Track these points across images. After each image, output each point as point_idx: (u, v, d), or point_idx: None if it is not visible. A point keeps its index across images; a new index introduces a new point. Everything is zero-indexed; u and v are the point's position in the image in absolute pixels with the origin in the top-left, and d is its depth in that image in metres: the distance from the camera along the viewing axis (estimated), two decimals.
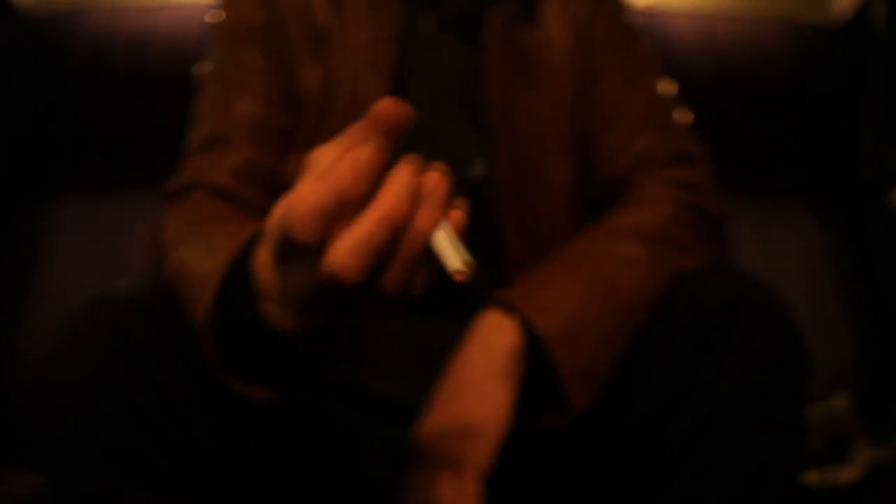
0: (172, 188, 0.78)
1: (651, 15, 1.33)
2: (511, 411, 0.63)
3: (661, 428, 0.63)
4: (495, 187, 0.80)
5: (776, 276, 0.98)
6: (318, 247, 0.44)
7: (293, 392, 0.58)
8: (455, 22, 0.85)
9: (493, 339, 0.65)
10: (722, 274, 0.67)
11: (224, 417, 0.60)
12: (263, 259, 0.50)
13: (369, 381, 0.75)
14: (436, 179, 0.46)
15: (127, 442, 0.57)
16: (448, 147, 0.81)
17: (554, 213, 0.81)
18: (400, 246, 0.45)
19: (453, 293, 0.75)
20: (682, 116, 0.87)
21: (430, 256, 0.46)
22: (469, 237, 0.48)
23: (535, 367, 0.64)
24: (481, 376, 0.64)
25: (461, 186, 0.47)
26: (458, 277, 0.45)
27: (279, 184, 0.79)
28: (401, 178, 0.44)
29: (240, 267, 0.54)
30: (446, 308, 0.75)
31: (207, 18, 1.02)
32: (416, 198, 0.45)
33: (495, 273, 0.77)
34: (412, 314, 0.77)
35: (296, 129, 0.82)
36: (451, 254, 0.46)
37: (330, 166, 0.44)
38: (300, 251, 0.45)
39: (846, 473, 1.01)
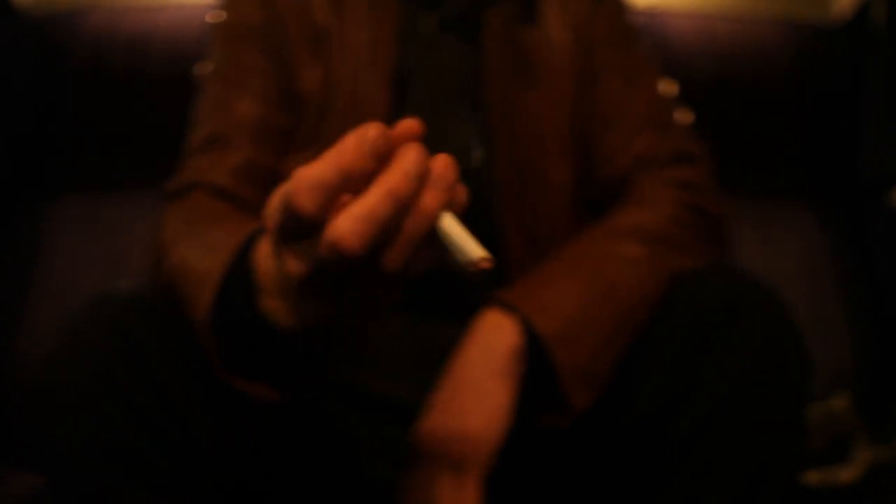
0: (172, 188, 0.78)
1: (651, 15, 1.33)
2: (511, 411, 0.63)
3: (661, 428, 0.63)
4: (495, 187, 0.80)
5: (776, 276, 0.98)
6: (320, 223, 0.43)
7: (293, 391, 0.58)
8: (455, 22, 0.85)
9: (494, 339, 0.65)
10: (722, 274, 0.67)
11: (224, 417, 0.60)
12: (264, 251, 0.50)
13: (369, 381, 0.75)
14: (444, 165, 0.45)
15: (127, 442, 0.57)
16: (448, 147, 0.80)
17: (554, 213, 0.81)
18: (404, 225, 0.44)
19: (453, 293, 0.75)
20: (683, 117, 0.87)
21: (434, 242, 0.46)
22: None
23: (535, 367, 0.64)
24: (481, 375, 0.64)
25: (461, 180, 0.47)
26: (483, 265, 0.44)
27: (279, 184, 0.79)
28: (409, 156, 0.43)
29: (240, 265, 0.54)
30: (446, 308, 0.75)
31: (208, 18, 1.02)
32: (423, 178, 0.44)
33: (495, 273, 0.77)
34: (412, 314, 0.77)
35: (296, 129, 0.82)
36: (469, 243, 0.45)
37: (336, 144, 0.44)
38: (301, 228, 0.44)
39: (846, 473, 1.01)
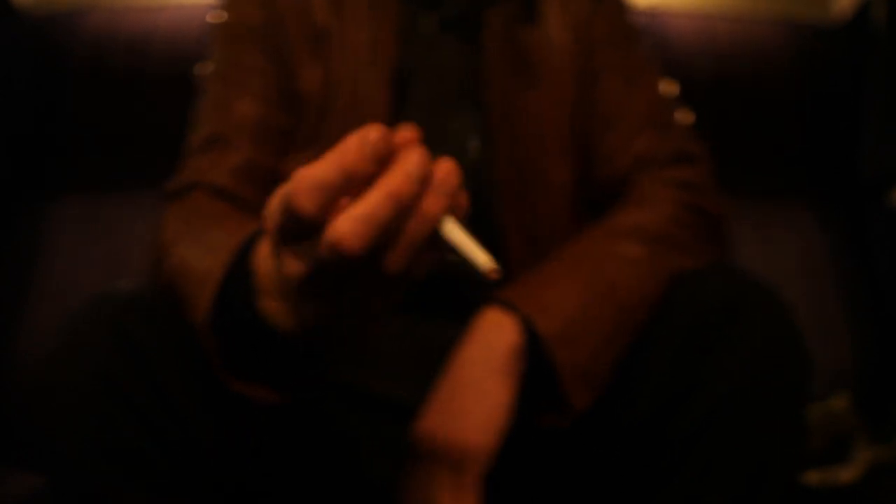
0: (172, 188, 0.78)
1: (652, 15, 1.33)
2: (511, 410, 0.63)
3: (661, 428, 0.63)
4: (495, 187, 0.80)
5: (776, 276, 0.99)
6: (320, 224, 0.43)
7: (293, 392, 0.58)
8: (455, 22, 0.85)
9: (494, 338, 0.65)
10: (722, 274, 0.67)
11: (224, 417, 0.60)
12: (264, 251, 0.50)
13: (369, 381, 0.75)
14: (447, 169, 0.45)
15: (127, 442, 0.57)
16: (448, 148, 0.81)
17: (554, 213, 0.81)
18: (405, 227, 0.44)
19: (453, 293, 0.75)
20: (684, 117, 0.87)
21: (436, 245, 0.46)
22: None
23: (535, 366, 0.64)
24: (481, 375, 0.64)
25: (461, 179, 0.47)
26: (493, 276, 0.44)
27: (279, 184, 0.79)
28: (411, 159, 0.43)
29: (240, 265, 0.54)
30: (446, 308, 0.75)
31: (208, 19, 1.02)
32: (425, 181, 0.44)
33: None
34: (412, 314, 0.77)
35: (296, 129, 0.82)
36: (475, 251, 0.45)
37: (338, 145, 0.43)
38: (301, 229, 0.44)
39: (846, 473, 1.01)
